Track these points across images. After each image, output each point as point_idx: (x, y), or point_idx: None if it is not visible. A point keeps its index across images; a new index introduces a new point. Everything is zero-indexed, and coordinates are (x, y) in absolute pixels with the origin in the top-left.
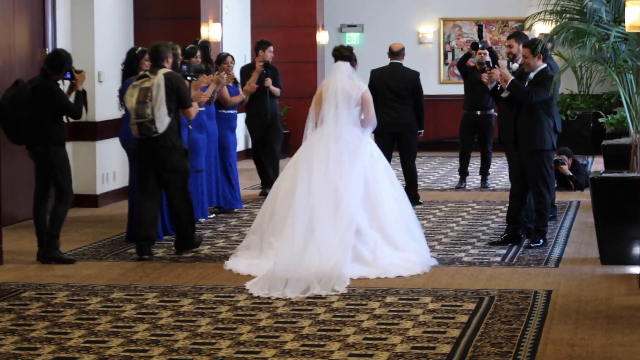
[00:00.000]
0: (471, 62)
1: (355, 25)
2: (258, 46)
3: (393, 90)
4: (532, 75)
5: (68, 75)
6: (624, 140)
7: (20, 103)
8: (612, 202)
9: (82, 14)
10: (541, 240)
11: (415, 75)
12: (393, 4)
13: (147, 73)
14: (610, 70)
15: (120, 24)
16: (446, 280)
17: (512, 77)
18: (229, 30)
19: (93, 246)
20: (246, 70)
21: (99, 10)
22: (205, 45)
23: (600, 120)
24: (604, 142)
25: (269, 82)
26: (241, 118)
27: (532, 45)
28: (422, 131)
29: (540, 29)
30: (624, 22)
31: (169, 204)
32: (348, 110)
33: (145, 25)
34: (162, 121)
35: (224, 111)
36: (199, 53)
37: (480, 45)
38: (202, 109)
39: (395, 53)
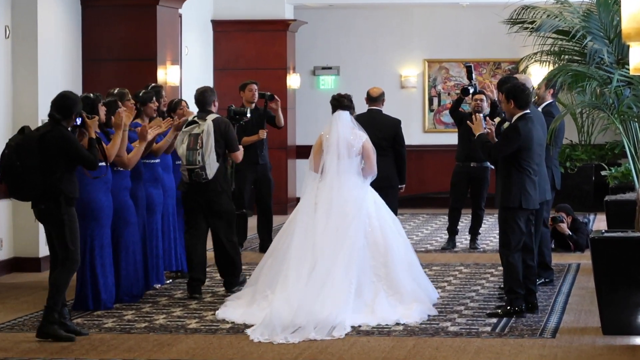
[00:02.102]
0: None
1: (330, 68)
2: (241, 88)
3: (371, 140)
4: (506, 124)
5: (78, 121)
6: (628, 196)
7: (27, 152)
8: (615, 265)
9: (25, 55)
10: (509, 307)
11: (396, 124)
12: (372, 43)
13: (196, 119)
14: (613, 118)
15: (66, 66)
16: (430, 353)
17: (480, 131)
18: (189, 73)
19: (34, 315)
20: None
21: (43, 52)
22: (158, 90)
23: (603, 173)
24: (606, 198)
25: (263, 134)
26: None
27: (505, 90)
28: (404, 186)
29: (537, 71)
30: (627, 64)
31: (216, 245)
32: (350, 160)
33: (96, 67)
34: (212, 167)
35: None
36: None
37: (471, 90)
38: (157, 160)
39: (374, 99)
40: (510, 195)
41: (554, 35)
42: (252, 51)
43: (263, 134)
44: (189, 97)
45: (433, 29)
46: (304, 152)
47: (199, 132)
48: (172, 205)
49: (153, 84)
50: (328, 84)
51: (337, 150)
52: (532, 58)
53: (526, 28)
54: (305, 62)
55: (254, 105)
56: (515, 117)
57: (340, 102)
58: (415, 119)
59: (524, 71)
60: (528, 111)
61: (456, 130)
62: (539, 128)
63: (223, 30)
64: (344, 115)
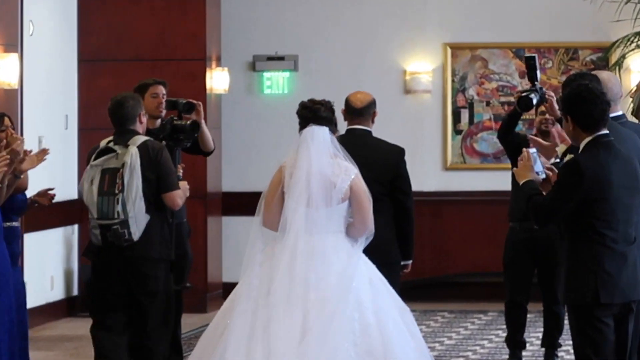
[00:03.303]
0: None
1: (281, 58)
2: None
3: None
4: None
5: None
6: None
7: None
8: None
9: None
10: None
11: (395, 156)
12: (354, 17)
13: (112, 145)
14: None
15: None
16: None
17: (528, 177)
18: (35, 66)
19: None
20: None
21: None
22: None
23: None
24: None
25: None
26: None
27: (562, 99)
28: (410, 263)
29: (638, 63)
30: None
31: (140, 339)
32: (329, 210)
33: None
34: (139, 221)
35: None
36: None
37: (535, 99)
38: None
39: (358, 111)
40: (578, 284)
41: None
42: (146, 30)
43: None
44: (31, 105)
45: None
46: (236, 204)
47: (117, 166)
48: (8, 297)
49: None
50: (278, 85)
51: (306, 192)
52: (632, 41)
53: None
54: (239, 48)
55: (158, 121)
56: (582, 144)
57: (316, 113)
58: (431, 148)
59: (619, 64)
60: (602, 132)
61: (506, 166)
62: (628, 160)
63: None
64: (321, 133)
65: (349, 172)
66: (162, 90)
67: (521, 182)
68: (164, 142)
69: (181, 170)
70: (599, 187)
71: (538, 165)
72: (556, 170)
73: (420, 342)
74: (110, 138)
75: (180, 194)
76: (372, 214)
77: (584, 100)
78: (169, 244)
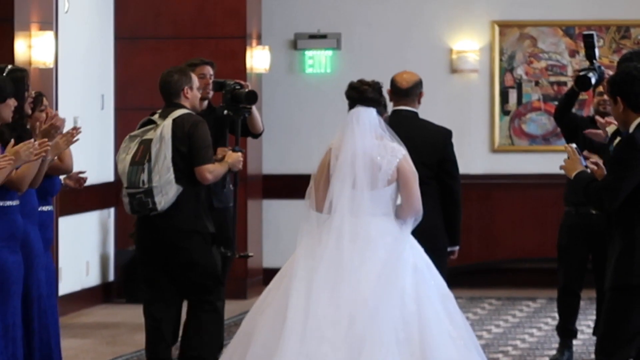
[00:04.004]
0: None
1: (324, 36)
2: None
3: None
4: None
5: None
6: None
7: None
8: None
9: None
10: None
11: (443, 137)
12: None
13: (154, 118)
14: None
15: None
16: None
17: (577, 169)
18: (71, 44)
19: None
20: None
21: None
22: (21, 77)
23: None
24: None
25: (227, 153)
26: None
27: (609, 81)
28: (457, 248)
29: None
30: None
31: (186, 321)
32: (374, 192)
33: None
34: (166, 192)
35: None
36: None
37: (593, 79)
38: (14, 202)
39: (404, 92)
40: (634, 266)
41: None
42: (184, 7)
43: (227, 153)
44: (67, 84)
45: None
46: (277, 187)
47: (152, 137)
48: (41, 281)
49: (10, 67)
50: (320, 64)
51: (352, 173)
52: None
53: None
54: (280, 26)
55: (205, 103)
56: (633, 127)
57: (363, 94)
58: (478, 129)
59: None
60: None
61: (556, 148)
62: None
63: None
64: (367, 115)
65: (395, 153)
66: (209, 70)
67: (573, 175)
68: (226, 112)
69: (234, 152)
70: None
71: (581, 159)
72: (602, 166)
73: (465, 331)
74: (160, 111)
75: (210, 169)
76: (419, 196)
77: (635, 79)
78: (203, 217)
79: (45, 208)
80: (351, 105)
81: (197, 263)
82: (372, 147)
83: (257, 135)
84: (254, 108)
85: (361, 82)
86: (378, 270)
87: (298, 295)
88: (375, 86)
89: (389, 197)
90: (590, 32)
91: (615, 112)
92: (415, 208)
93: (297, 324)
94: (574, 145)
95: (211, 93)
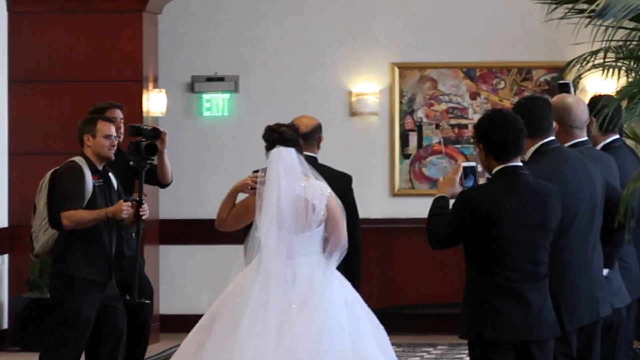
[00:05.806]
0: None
1: (221, 79)
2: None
3: None
4: None
5: None
6: None
7: None
8: None
9: None
10: None
11: (343, 184)
12: (299, 36)
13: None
14: None
15: None
16: None
17: (445, 191)
18: None
19: None
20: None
21: None
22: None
23: None
24: None
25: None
26: None
27: (478, 125)
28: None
29: (595, 85)
30: None
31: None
32: (306, 233)
33: None
34: (39, 238)
35: None
36: None
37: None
38: None
39: (304, 136)
40: (468, 319)
41: (630, 25)
42: (80, 50)
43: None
44: None
45: (408, 10)
46: (173, 232)
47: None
48: None
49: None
50: (218, 107)
51: (278, 216)
52: (588, 60)
53: (579, 11)
54: (176, 69)
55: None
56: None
57: (282, 134)
58: (378, 173)
59: (575, 84)
60: (513, 164)
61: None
62: (539, 197)
63: (24, 11)
64: (288, 154)
65: (323, 192)
66: (119, 114)
67: (435, 196)
68: (131, 163)
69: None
70: (486, 223)
71: (469, 181)
72: None
73: (393, 356)
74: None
75: (66, 215)
76: (346, 231)
77: (497, 127)
78: (70, 259)
79: None
80: (269, 147)
81: (54, 304)
82: (301, 188)
83: (164, 185)
84: (166, 158)
85: (278, 124)
86: (315, 305)
87: (220, 344)
88: (292, 127)
89: (321, 236)
90: (566, 82)
91: (480, 158)
92: (343, 243)
93: None
94: (470, 164)
95: (121, 137)
